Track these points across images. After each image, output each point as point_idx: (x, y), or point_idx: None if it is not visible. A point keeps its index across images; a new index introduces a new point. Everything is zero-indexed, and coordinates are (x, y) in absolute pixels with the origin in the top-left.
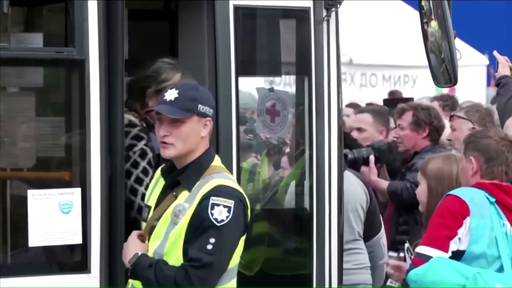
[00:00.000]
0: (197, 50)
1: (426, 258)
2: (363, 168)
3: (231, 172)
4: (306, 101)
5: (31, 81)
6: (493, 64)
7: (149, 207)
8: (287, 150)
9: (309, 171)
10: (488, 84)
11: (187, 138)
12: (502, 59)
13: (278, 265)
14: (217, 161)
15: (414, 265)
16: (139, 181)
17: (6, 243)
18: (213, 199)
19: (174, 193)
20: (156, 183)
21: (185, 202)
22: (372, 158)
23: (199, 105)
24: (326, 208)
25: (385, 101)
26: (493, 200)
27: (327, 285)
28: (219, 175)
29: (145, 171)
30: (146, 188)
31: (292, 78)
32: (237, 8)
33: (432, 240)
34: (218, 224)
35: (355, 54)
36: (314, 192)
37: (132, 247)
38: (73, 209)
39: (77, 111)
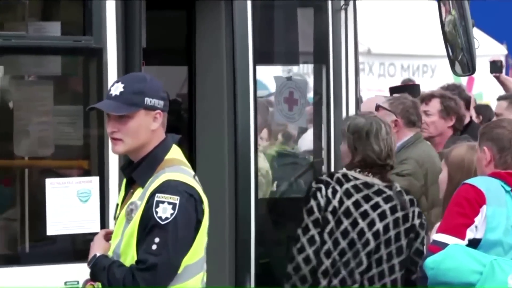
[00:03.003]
0: (214, 39)
1: (443, 245)
2: None
3: (249, 160)
4: (324, 90)
5: (48, 70)
6: (511, 53)
7: (117, 205)
8: (305, 139)
9: (327, 160)
10: (507, 74)
11: (136, 133)
12: None
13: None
14: (173, 153)
15: (431, 252)
16: None
17: (25, 232)
18: (158, 196)
19: (132, 190)
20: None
21: (138, 200)
22: None
23: (146, 98)
24: None
25: (391, 89)
26: (508, 188)
27: None
28: (172, 169)
29: None
30: None
31: (310, 67)
32: None
33: (449, 228)
34: (162, 223)
35: (373, 43)
36: None
37: (93, 248)
38: (91, 197)
39: (95, 99)
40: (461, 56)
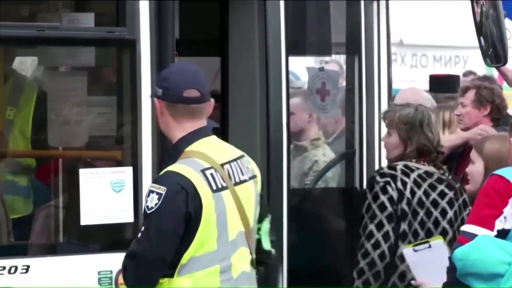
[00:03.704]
0: (247, 29)
1: (471, 236)
2: None
3: (281, 152)
4: (356, 81)
5: (82, 61)
6: None
7: None
8: (337, 129)
9: (359, 151)
10: None
11: (158, 120)
12: None
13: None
14: (197, 145)
15: (460, 243)
16: None
17: (59, 222)
18: (150, 186)
19: None
20: None
21: None
22: None
23: (155, 87)
24: None
25: (431, 78)
26: None
27: None
28: (181, 161)
29: None
30: None
31: (342, 58)
32: None
33: (477, 219)
34: (148, 212)
35: (405, 34)
36: (364, 172)
37: None
38: (125, 187)
39: (128, 90)
40: (493, 47)
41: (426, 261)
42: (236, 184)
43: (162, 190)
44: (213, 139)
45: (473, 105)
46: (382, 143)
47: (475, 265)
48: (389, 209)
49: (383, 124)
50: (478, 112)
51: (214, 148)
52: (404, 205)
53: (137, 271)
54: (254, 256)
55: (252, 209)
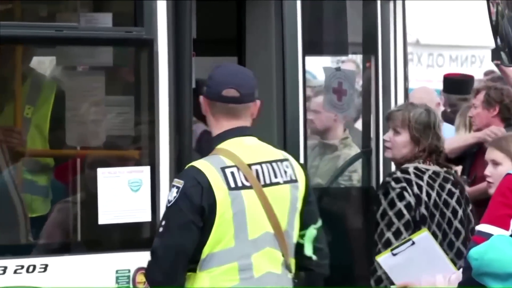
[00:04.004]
0: (264, 29)
1: (487, 236)
2: None
3: (298, 151)
4: (373, 80)
5: (100, 60)
6: None
7: None
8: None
9: (376, 150)
10: None
11: None
12: None
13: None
14: (228, 143)
15: (475, 243)
16: None
17: (77, 221)
18: (173, 180)
19: None
20: None
21: None
22: None
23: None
24: None
25: (445, 78)
26: None
27: None
28: (207, 157)
29: None
30: None
31: (359, 58)
32: None
33: (493, 218)
34: (168, 205)
35: (422, 34)
36: (381, 171)
37: None
38: (142, 187)
39: (146, 90)
40: (509, 46)
41: (411, 260)
42: (265, 185)
43: (180, 184)
44: (247, 139)
45: (482, 106)
46: (387, 142)
47: (491, 264)
48: (407, 216)
49: None
50: (488, 113)
51: (245, 148)
52: (423, 209)
53: (159, 265)
54: (288, 259)
55: (285, 212)
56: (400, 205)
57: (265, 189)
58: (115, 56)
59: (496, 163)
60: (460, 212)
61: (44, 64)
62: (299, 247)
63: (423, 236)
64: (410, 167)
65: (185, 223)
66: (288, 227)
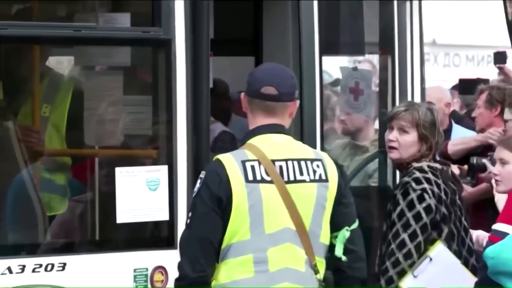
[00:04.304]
0: (281, 29)
1: (502, 235)
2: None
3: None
4: (390, 80)
5: (118, 60)
6: None
7: None
8: (370, 128)
9: None
10: None
11: None
12: None
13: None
14: (256, 139)
15: (491, 242)
16: None
17: (95, 220)
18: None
19: None
20: None
21: None
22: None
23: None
24: None
25: (460, 81)
26: None
27: None
28: (233, 151)
29: None
30: None
31: (375, 58)
32: None
33: (509, 217)
34: (193, 196)
35: (438, 34)
36: (397, 171)
37: None
38: (160, 186)
39: (164, 90)
40: None
41: (433, 279)
42: (289, 182)
43: (203, 175)
44: (276, 136)
45: (485, 106)
46: (393, 143)
47: (507, 263)
48: (425, 219)
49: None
50: (490, 113)
51: (272, 144)
52: (443, 208)
53: (186, 256)
54: (313, 259)
55: (310, 211)
56: (419, 207)
57: (288, 186)
58: (133, 56)
59: (504, 162)
60: (464, 209)
61: (62, 64)
62: (332, 248)
63: (439, 250)
64: (424, 165)
65: (206, 212)
66: (312, 225)
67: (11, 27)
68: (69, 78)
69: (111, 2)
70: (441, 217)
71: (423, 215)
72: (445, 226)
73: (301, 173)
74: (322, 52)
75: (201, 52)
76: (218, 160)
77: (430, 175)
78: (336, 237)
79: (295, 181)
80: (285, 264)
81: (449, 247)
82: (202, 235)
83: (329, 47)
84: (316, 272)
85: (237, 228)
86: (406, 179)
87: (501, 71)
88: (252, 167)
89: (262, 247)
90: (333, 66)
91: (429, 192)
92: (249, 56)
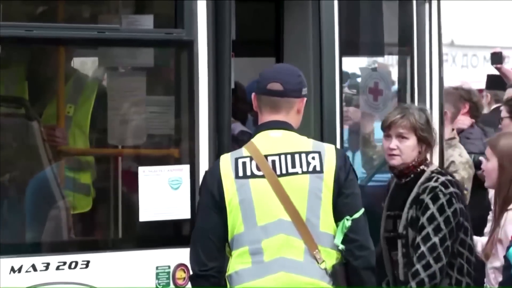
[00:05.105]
0: (302, 31)
1: None
2: None
3: None
4: (408, 81)
5: (141, 61)
6: None
7: None
8: None
9: None
10: None
11: None
12: None
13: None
14: (256, 136)
15: None
16: None
17: (118, 218)
18: None
19: None
20: None
21: None
22: None
23: None
24: None
25: (488, 76)
26: None
27: None
28: (236, 149)
29: None
30: None
31: (394, 59)
32: None
33: None
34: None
35: (456, 35)
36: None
37: None
38: (182, 185)
39: (186, 90)
40: None
41: None
42: (281, 175)
43: (204, 174)
44: (273, 132)
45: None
46: (393, 151)
47: None
48: (452, 224)
49: (435, 124)
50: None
51: (268, 140)
52: (464, 209)
53: (191, 251)
54: (314, 248)
55: (304, 201)
56: (449, 211)
57: (281, 179)
58: (156, 57)
59: (487, 159)
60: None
61: (86, 64)
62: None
63: None
64: (436, 167)
65: (205, 209)
66: (310, 216)
67: (37, 29)
68: (93, 79)
69: (134, 4)
70: (465, 218)
71: (451, 219)
72: (468, 224)
73: (294, 166)
74: (342, 53)
75: (223, 53)
76: (218, 159)
77: (451, 178)
78: (337, 226)
79: (287, 174)
80: (280, 254)
81: (439, 260)
82: (201, 231)
83: (349, 48)
84: (319, 261)
85: (234, 222)
86: (433, 184)
87: (499, 71)
88: (244, 163)
89: (256, 239)
90: (353, 66)
91: (455, 196)
92: (270, 57)
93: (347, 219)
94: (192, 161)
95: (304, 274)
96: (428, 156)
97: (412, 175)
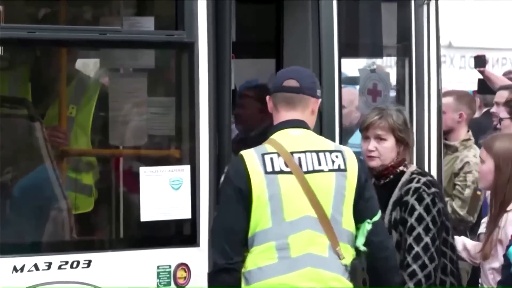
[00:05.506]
0: (301, 32)
1: None
2: None
3: None
4: (407, 82)
5: (142, 63)
6: None
7: None
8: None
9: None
10: None
11: None
12: None
13: None
14: (277, 134)
15: None
16: None
17: (119, 218)
18: None
19: None
20: None
21: None
22: None
23: None
24: None
25: (479, 80)
26: None
27: None
28: (257, 146)
29: None
30: None
31: (393, 60)
32: None
33: None
34: (219, 189)
35: (454, 36)
36: None
37: None
38: (183, 185)
39: (187, 91)
40: None
41: None
42: (307, 172)
43: (226, 169)
44: (293, 130)
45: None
46: (372, 152)
47: None
48: (438, 223)
49: (432, 125)
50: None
51: (290, 138)
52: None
53: (215, 245)
54: (337, 245)
55: (330, 199)
56: (434, 211)
57: (307, 176)
58: (157, 59)
59: (481, 161)
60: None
61: (88, 66)
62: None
63: None
64: (414, 168)
65: (229, 203)
66: (334, 212)
67: (39, 31)
68: (95, 80)
69: (135, 6)
70: (446, 217)
71: (437, 218)
72: (448, 223)
73: (319, 163)
74: (341, 55)
75: (223, 55)
76: (240, 155)
77: (431, 178)
78: (358, 229)
79: (314, 171)
80: (307, 250)
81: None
82: (227, 225)
83: (348, 50)
84: (341, 257)
85: (259, 217)
86: (415, 185)
87: (482, 74)
88: (271, 159)
89: (283, 234)
90: (352, 68)
91: (437, 195)
92: (271, 58)
93: (368, 222)
94: (193, 161)
95: (329, 270)
96: (407, 156)
97: (391, 176)
